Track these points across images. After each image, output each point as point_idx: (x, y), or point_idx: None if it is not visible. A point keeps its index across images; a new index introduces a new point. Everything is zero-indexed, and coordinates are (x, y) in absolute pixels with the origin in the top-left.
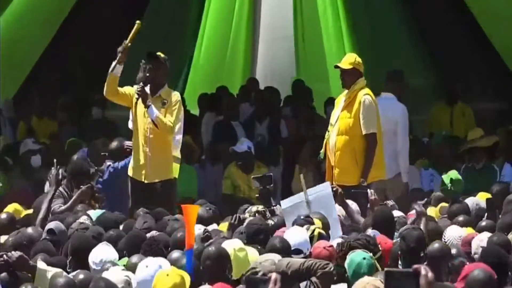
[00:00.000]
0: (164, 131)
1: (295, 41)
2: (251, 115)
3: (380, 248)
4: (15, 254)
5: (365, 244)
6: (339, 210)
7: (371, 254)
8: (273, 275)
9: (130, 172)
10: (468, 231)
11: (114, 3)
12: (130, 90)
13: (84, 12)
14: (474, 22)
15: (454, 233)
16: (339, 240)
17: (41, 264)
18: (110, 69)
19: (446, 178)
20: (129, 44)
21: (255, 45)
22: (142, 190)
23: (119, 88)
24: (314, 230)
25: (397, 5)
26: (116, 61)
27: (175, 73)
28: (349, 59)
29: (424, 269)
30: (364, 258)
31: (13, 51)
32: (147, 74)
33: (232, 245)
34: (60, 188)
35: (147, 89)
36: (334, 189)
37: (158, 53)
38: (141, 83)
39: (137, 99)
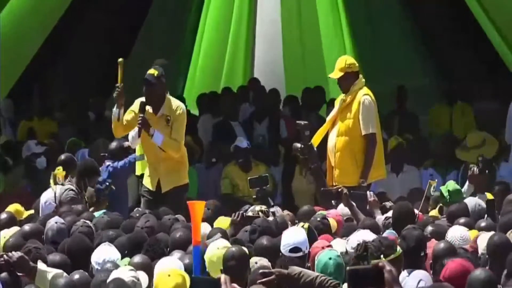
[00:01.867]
0: (171, 152)
1: (291, 42)
2: (251, 115)
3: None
4: (16, 254)
5: (378, 246)
6: (341, 209)
7: (338, 253)
8: (222, 276)
9: (144, 183)
10: (472, 233)
11: (115, 4)
12: (134, 114)
13: (85, 14)
14: (474, 21)
15: (456, 234)
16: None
17: (41, 265)
18: (113, 114)
19: (444, 190)
20: (122, 84)
21: (255, 45)
22: (156, 197)
23: (125, 118)
24: (303, 225)
25: (397, 5)
26: (116, 107)
27: (175, 73)
28: (339, 65)
29: (388, 265)
30: (330, 258)
31: (6, 51)
32: (145, 98)
33: (216, 245)
34: (73, 187)
35: (148, 108)
36: (339, 189)
37: (150, 72)
38: (140, 115)
39: (139, 131)
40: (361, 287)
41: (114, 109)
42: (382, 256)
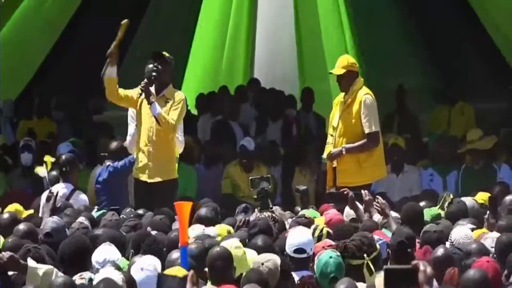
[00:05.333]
0: (166, 128)
1: (292, 42)
2: (263, 114)
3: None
4: (6, 254)
5: (359, 245)
6: (347, 211)
7: (338, 253)
8: (190, 273)
9: (133, 173)
10: (475, 232)
11: (115, 6)
12: (133, 93)
13: (85, 15)
14: (474, 21)
15: (460, 233)
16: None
17: (31, 262)
18: (102, 72)
19: (427, 215)
20: (118, 43)
21: (254, 46)
22: (145, 190)
23: (122, 91)
24: (322, 229)
25: (398, 5)
26: (106, 64)
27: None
28: (342, 63)
29: (423, 265)
30: (331, 257)
31: (16, 53)
32: (153, 74)
33: (230, 244)
34: None
35: (152, 88)
36: (345, 192)
37: (164, 53)
38: (145, 80)
39: (140, 94)
40: (395, 287)
41: (108, 68)
42: (365, 255)
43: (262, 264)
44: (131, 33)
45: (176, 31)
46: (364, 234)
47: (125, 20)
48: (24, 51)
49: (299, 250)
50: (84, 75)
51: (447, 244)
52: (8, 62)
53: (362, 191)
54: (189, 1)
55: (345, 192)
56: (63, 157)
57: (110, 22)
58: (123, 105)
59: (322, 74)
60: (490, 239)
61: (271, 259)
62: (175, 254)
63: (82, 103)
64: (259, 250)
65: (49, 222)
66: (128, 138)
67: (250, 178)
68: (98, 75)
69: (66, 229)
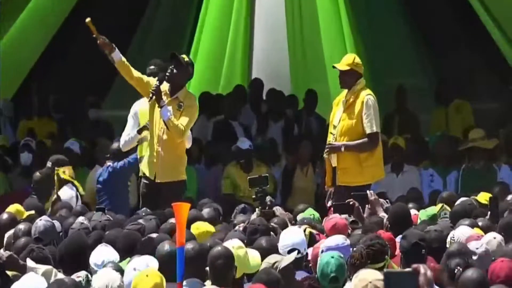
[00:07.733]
0: (174, 133)
1: (292, 42)
2: (266, 114)
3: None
4: (5, 254)
5: (380, 249)
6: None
7: (340, 253)
8: None
9: (142, 169)
10: (476, 231)
11: (113, 5)
12: (149, 80)
13: (84, 14)
14: (474, 21)
15: (463, 232)
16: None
17: (30, 263)
18: (114, 61)
19: (423, 216)
20: (98, 38)
21: (253, 47)
22: (152, 189)
23: (136, 73)
24: (305, 229)
25: (397, 5)
26: (110, 55)
27: None
28: (347, 60)
29: (423, 268)
30: (333, 257)
31: (11, 52)
32: (167, 74)
33: (231, 244)
34: None
35: (166, 88)
36: (351, 203)
37: (182, 56)
38: (157, 82)
39: (151, 98)
40: None
41: (110, 57)
42: (386, 256)
43: (274, 264)
44: (131, 33)
45: (175, 31)
46: (374, 235)
47: (88, 19)
48: (21, 49)
49: (292, 251)
50: (83, 74)
51: (447, 243)
52: (6, 62)
53: (368, 191)
54: (189, 1)
55: (351, 203)
56: (54, 157)
57: (109, 22)
58: (136, 87)
59: (321, 75)
60: (489, 238)
61: (283, 259)
62: (167, 246)
63: (81, 103)
64: (263, 252)
65: (38, 225)
66: (126, 138)
67: (248, 177)
68: (96, 74)
69: (57, 229)
